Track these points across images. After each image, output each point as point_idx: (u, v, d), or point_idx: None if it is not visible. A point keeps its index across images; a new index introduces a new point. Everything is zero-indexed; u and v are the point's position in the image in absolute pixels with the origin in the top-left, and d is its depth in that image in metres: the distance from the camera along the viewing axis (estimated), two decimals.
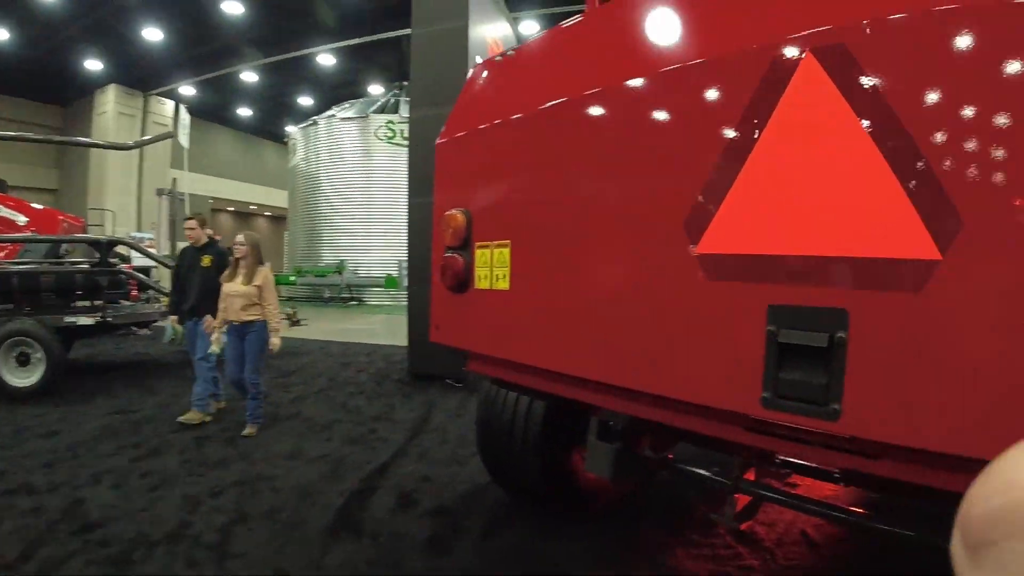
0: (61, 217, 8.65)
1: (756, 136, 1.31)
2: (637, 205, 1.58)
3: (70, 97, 22.87)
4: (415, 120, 6.76)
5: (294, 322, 8.09)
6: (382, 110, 18.86)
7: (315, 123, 19.34)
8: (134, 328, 7.18)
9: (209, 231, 5.26)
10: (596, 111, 1.71)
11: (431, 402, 5.81)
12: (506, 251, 1.96)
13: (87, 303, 6.66)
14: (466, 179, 2.24)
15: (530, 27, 16.27)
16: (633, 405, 1.69)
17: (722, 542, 2.91)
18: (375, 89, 23.05)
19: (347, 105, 20.41)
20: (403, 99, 19.39)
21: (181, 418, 4.88)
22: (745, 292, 1.33)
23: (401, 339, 10.10)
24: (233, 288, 4.52)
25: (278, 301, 4.72)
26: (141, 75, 20.74)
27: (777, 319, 1.28)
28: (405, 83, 20.25)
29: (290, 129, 22.38)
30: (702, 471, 2.19)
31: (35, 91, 21.87)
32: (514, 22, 8.51)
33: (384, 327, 12.47)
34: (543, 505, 3.19)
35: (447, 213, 2.16)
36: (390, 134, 18.29)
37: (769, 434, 1.38)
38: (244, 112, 27.19)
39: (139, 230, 18.75)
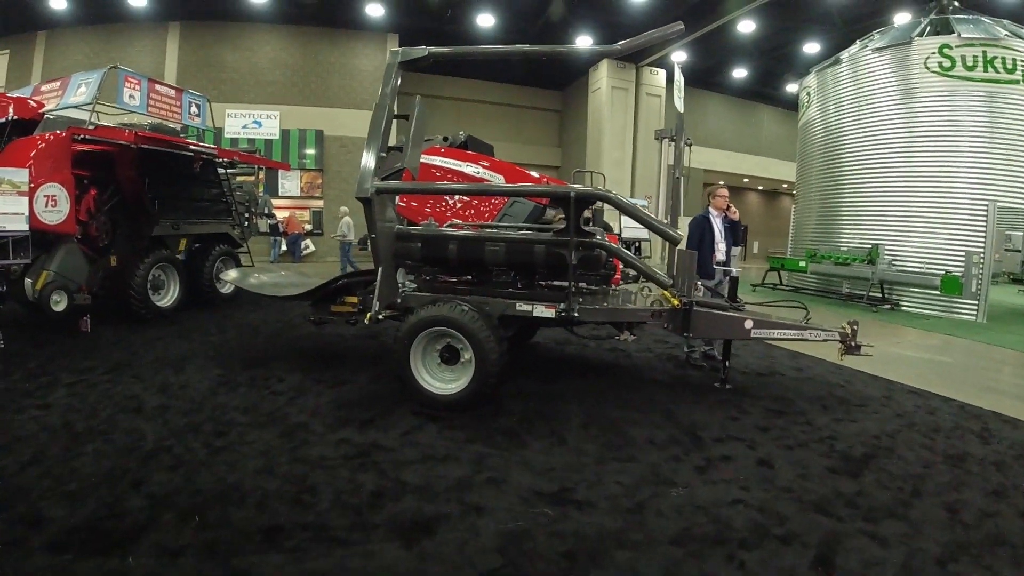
0: (546, 179, 6.99)
1: None
2: None
3: (567, 80, 24.39)
4: None
5: (851, 347, 4.40)
6: (923, 34, 13.03)
7: (836, 61, 14.70)
8: (616, 332, 4.75)
9: None
10: None
11: None
12: None
13: (559, 284, 4.66)
14: None
15: None
16: None
17: None
18: (901, 18, 16.89)
19: (875, 35, 15.06)
20: (956, 17, 13.00)
21: None
22: None
23: (1006, 401, 5.29)
24: None
25: None
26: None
27: None
28: None
29: (792, 87, 18.30)
30: None
31: (537, 78, 24.07)
32: None
33: (961, 365, 7.38)
34: None
35: None
36: (946, 63, 12.31)
37: None
38: (738, 73, 24.30)
39: (631, 197, 18.17)
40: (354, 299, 5.17)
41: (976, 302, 11.07)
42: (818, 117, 15.24)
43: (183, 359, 5.51)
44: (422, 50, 4.37)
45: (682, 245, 5.07)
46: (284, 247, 17.99)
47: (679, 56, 20.74)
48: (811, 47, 20.76)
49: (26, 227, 5.79)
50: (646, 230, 14.31)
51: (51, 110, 7.26)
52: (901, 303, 12.08)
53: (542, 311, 4.26)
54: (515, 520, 2.66)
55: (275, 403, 4.21)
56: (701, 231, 5.77)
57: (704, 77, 23.88)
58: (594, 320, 4.54)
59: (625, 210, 3.93)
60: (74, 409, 4.03)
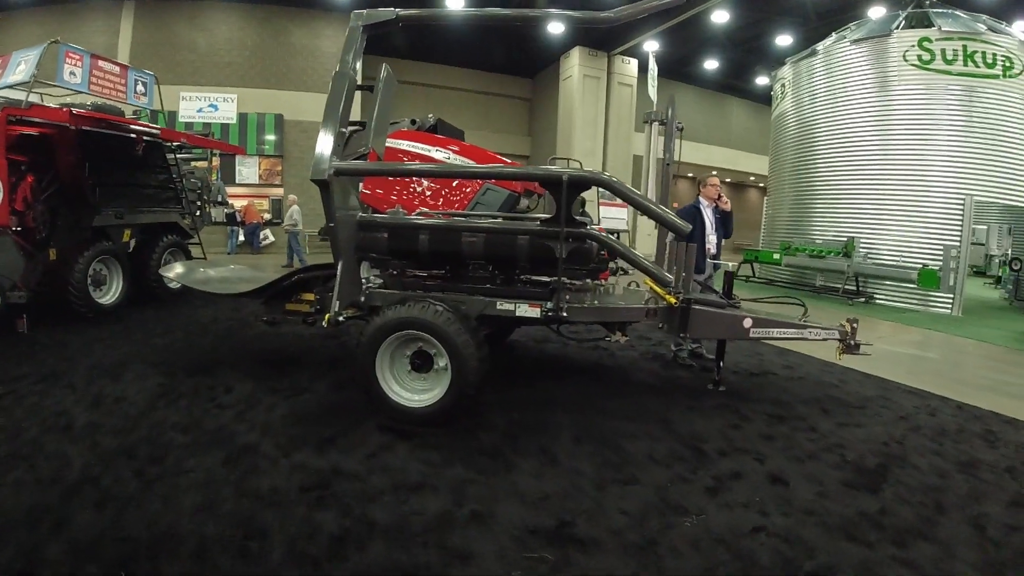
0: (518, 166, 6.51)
1: None
2: None
3: (537, 67, 24.00)
4: None
5: (850, 345, 4.12)
6: (900, 28, 13.03)
7: (813, 53, 14.58)
8: (606, 333, 4.29)
9: None
10: None
11: None
12: None
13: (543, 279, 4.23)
14: None
15: None
16: None
17: None
18: (875, 13, 16.94)
19: (852, 27, 15.04)
20: (934, 11, 13.04)
21: None
22: None
23: (1002, 400, 5.12)
24: None
25: None
26: (604, 34, 19.79)
27: None
28: None
29: (762, 80, 18.22)
30: None
31: (506, 65, 23.67)
32: None
33: (948, 361, 7.29)
34: None
35: None
36: (926, 56, 12.28)
37: None
38: (709, 65, 24.15)
39: None
40: (311, 296, 4.65)
41: (952, 295, 11.07)
42: (792, 109, 15.12)
43: (122, 364, 4.91)
44: (389, 12, 3.89)
45: (670, 237, 4.70)
46: (242, 237, 17.11)
47: (652, 45, 20.47)
48: (783, 39, 20.73)
49: None
50: (624, 220, 13.79)
51: None
52: (875, 296, 12.06)
53: (526, 310, 3.82)
54: (509, 570, 2.23)
55: (221, 418, 3.68)
56: (691, 222, 5.40)
57: (676, 68, 23.65)
58: (584, 320, 4.12)
59: (625, 196, 3.51)
60: None
